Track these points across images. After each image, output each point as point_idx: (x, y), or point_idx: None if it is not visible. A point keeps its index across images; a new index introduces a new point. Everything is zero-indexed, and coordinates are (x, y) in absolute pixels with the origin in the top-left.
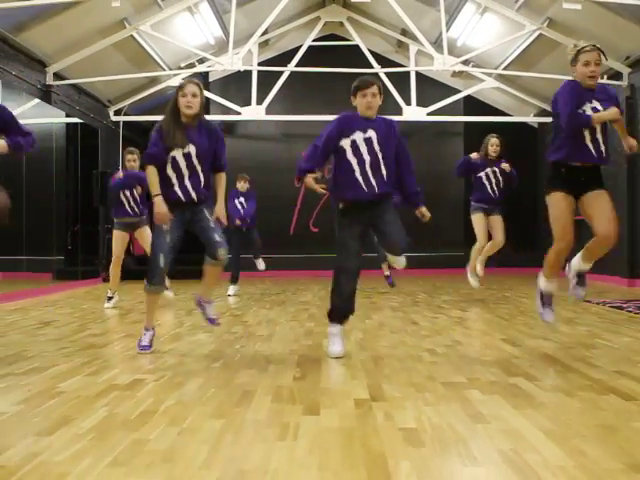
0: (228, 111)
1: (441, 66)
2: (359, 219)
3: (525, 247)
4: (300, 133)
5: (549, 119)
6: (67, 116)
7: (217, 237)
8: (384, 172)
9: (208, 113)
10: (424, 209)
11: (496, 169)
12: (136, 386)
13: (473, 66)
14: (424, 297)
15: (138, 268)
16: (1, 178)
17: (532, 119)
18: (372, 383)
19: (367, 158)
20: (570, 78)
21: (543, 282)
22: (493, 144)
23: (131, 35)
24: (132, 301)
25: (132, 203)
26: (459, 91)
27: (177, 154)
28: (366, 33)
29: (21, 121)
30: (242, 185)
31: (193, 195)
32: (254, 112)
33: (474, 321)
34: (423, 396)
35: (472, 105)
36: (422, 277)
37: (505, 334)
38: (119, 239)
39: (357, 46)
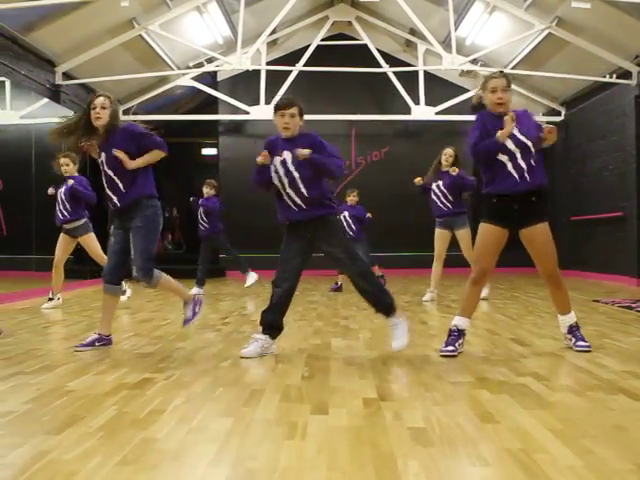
0: (236, 111)
1: (450, 65)
2: (298, 237)
3: None
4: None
5: (558, 118)
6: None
7: (136, 256)
8: (304, 192)
9: (216, 113)
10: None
11: (440, 182)
12: (145, 385)
13: (481, 65)
14: (431, 296)
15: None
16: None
17: (541, 118)
18: (381, 383)
19: (285, 180)
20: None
21: (459, 319)
22: (446, 154)
23: (140, 35)
24: (140, 300)
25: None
26: (468, 90)
27: (100, 164)
28: (374, 32)
29: (30, 121)
30: (208, 191)
31: (115, 201)
32: (262, 112)
33: (483, 321)
34: (432, 396)
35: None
36: (430, 277)
37: (514, 334)
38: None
39: (365, 45)
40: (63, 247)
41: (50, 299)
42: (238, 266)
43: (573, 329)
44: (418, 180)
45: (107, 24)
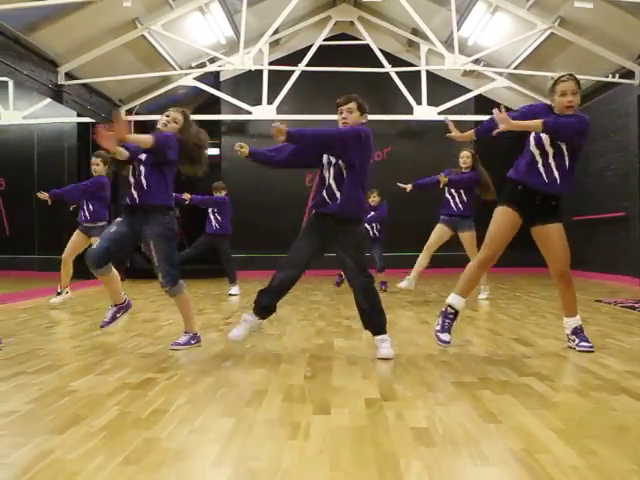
0: (239, 111)
1: (452, 65)
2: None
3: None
4: None
5: None
6: (79, 116)
7: (161, 263)
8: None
9: (219, 113)
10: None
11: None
12: (147, 385)
13: (484, 65)
14: (435, 296)
15: (148, 267)
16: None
17: None
18: (383, 382)
19: (331, 171)
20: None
21: (455, 298)
22: (462, 156)
23: (142, 35)
24: (144, 300)
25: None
26: (470, 90)
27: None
28: (377, 32)
29: (33, 121)
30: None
31: (135, 197)
32: (265, 111)
33: (485, 320)
34: (434, 396)
35: (483, 104)
36: (433, 276)
37: (516, 334)
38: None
39: (368, 45)
40: (75, 244)
41: (58, 293)
42: (230, 274)
43: (577, 331)
44: (445, 181)
45: (110, 24)
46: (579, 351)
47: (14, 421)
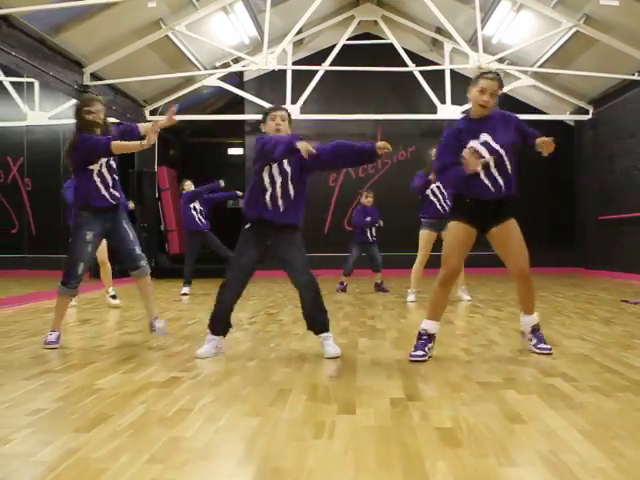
0: (262, 110)
1: (476, 64)
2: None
3: (561, 246)
4: (334, 132)
5: (586, 117)
6: None
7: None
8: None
9: (243, 112)
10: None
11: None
12: (173, 384)
13: (508, 64)
14: (459, 296)
15: (173, 267)
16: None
17: (568, 117)
18: (408, 382)
19: (278, 180)
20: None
21: (428, 323)
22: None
23: (166, 35)
24: (168, 299)
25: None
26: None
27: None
28: (400, 32)
29: (57, 121)
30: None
31: (116, 195)
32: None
33: (510, 321)
34: (459, 396)
35: (507, 103)
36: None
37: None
38: None
39: (391, 45)
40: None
41: (113, 296)
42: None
43: (535, 330)
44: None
45: (134, 25)
46: (537, 353)
47: (41, 419)
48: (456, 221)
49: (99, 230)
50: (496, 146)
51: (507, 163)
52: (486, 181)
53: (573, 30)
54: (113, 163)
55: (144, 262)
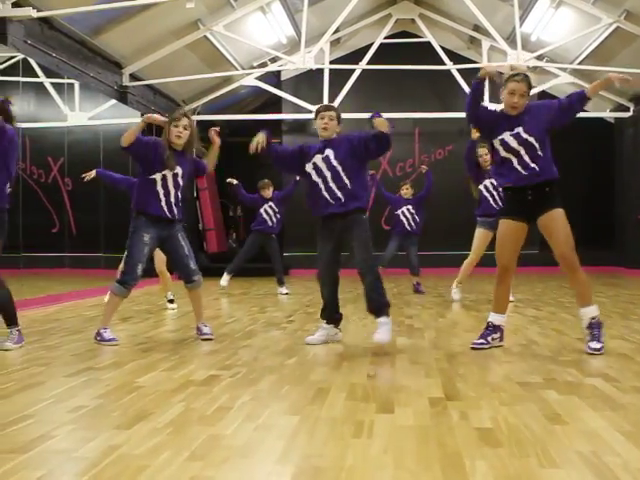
0: (300, 110)
1: (515, 62)
2: (330, 232)
3: (601, 245)
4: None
5: (626, 114)
6: (142, 116)
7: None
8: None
9: (280, 112)
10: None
11: (493, 179)
12: (212, 382)
13: (547, 61)
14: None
15: (211, 265)
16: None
17: (608, 114)
18: (446, 382)
19: (327, 174)
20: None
21: (493, 316)
22: (482, 155)
23: (204, 36)
24: (207, 298)
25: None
26: (533, 87)
27: (167, 174)
28: (438, 30)
29: (97, 122)
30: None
31: (175, 212)
32: None
33: (549, 320)
34: (499, 396)
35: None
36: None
37: (582, 334)
38: None
39: (429, 43)
40: None
41: (171, 300)
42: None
43: (592, 325)
44: (476, 135)
45: (172, 26)
46: (588, 353)
47: (82, 416)
48: (504, 218)
49: (155, 235)
50: (525, 135)
51: (539, 150)
52: (519, 168)
53: (613, 26)
54: (181, 180)
55: (197, 277)
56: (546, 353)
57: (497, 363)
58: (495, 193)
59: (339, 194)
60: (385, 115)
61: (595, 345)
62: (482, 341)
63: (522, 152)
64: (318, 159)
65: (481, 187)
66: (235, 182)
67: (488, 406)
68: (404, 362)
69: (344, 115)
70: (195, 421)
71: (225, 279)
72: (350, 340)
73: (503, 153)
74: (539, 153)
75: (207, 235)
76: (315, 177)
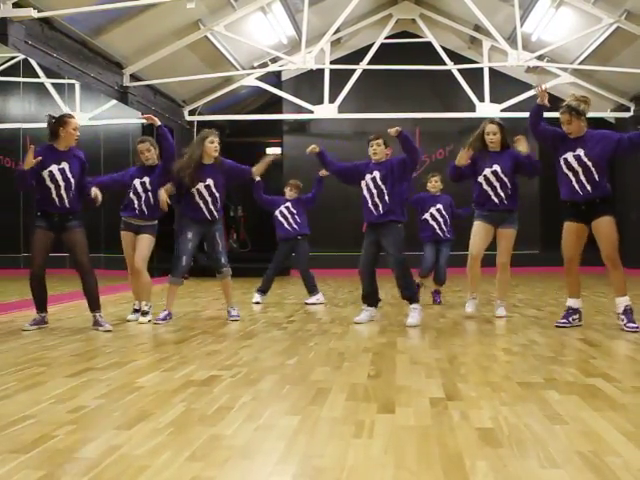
0: (301, 110)
1: (515, 62)
2: (372, 236)
3: None
4: (373, 131)
5: (627, 114)
6: (142, 116)
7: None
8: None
9: (281, 112)
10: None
11: (496, 166)
12: (212, 382)
13: (548, 61)
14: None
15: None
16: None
17: (609, 114)
18: (447, 382)
19: (374, 192)
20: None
21: (570, 301)
22: (489, 132)
23: (205, 36)
24: (208, 298)
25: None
26: (533, 87)
27: (199, 186)
28: (438, 30)
29: (98, 122)
30: (291, 194)
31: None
32: (326, 110)
33: (550, 320)
34: (499, 396)
35: (547, 101)
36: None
37: (582, 334)
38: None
39: (429, 43)
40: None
41: (139, 311)
42: (310, 282)
43: (626, 311)
44: (465, 157)
45: (173, 26)
46: (626, 331)
47: (83, 416)
48: (567, 221)
49: (196, 232)
50: (585, 159)
51: (594, 173)
52: (576, 186)
53: (614, 26)
54: (210, 183)
55: (225, 269)
56: (547, 353)
57: (498, 363)
58: (498, 186)
59: (380, 208)
60: (386, 115)
61: (632, 324)
62: (564, 321)
63: (580, 172)
64: (368, 178)
65: (480, 179)
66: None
67: (489, 406)
68: (405, 362)
69: (344, 115)
70: (196, 421)
71: (256, 297)
72: (351, 340)
73: (564, 170)
74: (594, 175)
75: None
76: (365, 192)
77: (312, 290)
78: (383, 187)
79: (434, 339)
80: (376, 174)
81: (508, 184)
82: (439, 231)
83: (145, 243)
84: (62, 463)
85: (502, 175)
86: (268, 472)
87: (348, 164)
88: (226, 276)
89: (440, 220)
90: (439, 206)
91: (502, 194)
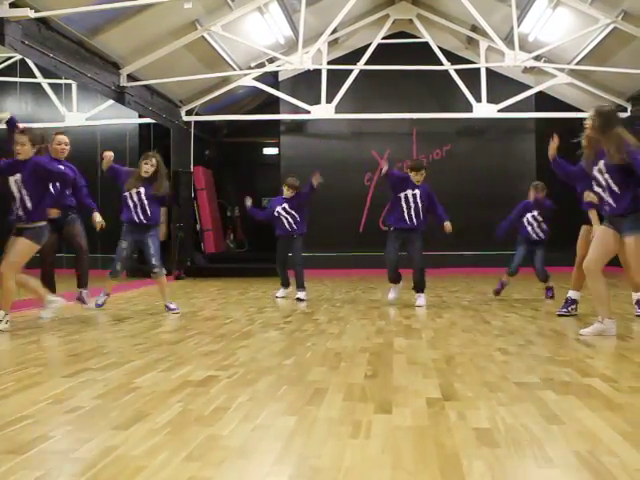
0: (298, 110)
1: (512, 62)
2: (400, 238)
3: None
4: (370, 131)
5: (624, 114)
6: (140, 116)
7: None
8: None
9: (278, 112)
10: (447, 224)
11: (601, 163)
12: (209, 382)
13: (545, 61)
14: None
15: (209, 266)
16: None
17: None
18: (444, 382)
19: (412, 205)
20: None
21: (570, 292)
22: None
23: (202, 36)
24: (204, 299)
25: None
26: (530, 87)
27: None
28: (436, 30)
29: (95, 122)
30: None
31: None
32: (324, 111)
33: (547, 320)
34: (496, 396)
35: (544, 101)
36: (494, 276)
37: (579, 334)
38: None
39: (427, 43)
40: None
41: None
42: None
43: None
44: (591, 196)
45: (170, 26)
46: (637, 316)
47: (80, 416)
48: (602, 225)
49: (131, 239)
50: (606, 174)
51: (614, 187)
52: (604, 201)
53: (611, 27)
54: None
55: (157, 269)
56: (544, 353)
57: (494, 363)
58: (535, 224)
59: (414, 218)
60: (383, 116)
61: None
62: (565, 310)
63: (604, 189)
64: (409, 192)
65: (523, 219)
66: (249, 203)
67: (486, 406)
68: (401, 362)
69: (341, 115)
70: (193, 422)
71: (280, 292)
72: (348, 340)
73: (595, 187)
74: (614, 189)
75: (204, 236)
76: (403, 202)
77: (301, 285)
78: (420, 205)
79: (431, 339)
80: (417, 192)
81: None
82: (530, 231)
83: (20, 247)
84: (59, 463)
85: None
86: (265, 472)
87: (400, 174)
88: (157, 277)
89: (534, 224)
90: (529, 215)
91: None
